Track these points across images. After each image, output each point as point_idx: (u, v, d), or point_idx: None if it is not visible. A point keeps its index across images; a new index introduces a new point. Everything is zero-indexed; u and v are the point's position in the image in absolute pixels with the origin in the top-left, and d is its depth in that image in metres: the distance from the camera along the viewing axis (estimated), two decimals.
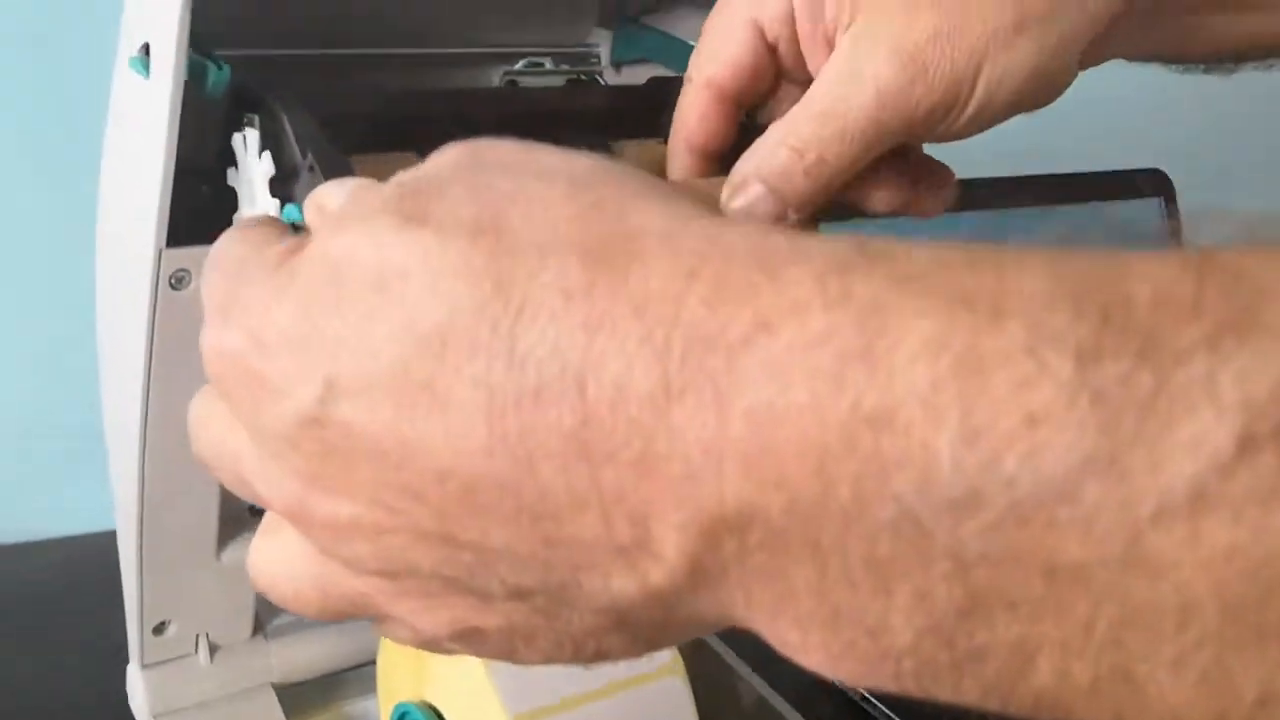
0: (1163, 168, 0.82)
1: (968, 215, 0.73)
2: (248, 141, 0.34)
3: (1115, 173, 0.81)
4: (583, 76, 0.45)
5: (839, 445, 0.17)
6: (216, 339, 0.23)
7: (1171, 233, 0.83)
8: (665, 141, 0.40)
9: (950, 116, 0.33)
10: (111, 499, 0.44)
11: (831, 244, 0.19)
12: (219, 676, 0.46)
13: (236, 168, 0.35)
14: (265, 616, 0.48)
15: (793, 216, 0.34)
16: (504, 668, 0.42)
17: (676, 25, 0.44)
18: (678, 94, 0.41)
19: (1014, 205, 0.75)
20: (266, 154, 0.34)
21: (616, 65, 0.47)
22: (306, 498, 0.22)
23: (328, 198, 0.26)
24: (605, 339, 0.19)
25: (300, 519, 0.22)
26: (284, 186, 0.33)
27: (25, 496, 0.74)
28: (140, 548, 0.41)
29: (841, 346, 0.17)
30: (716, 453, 0.18)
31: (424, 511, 0.21)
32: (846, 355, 0.17)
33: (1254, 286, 0.16)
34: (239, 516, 0.43)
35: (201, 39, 0.33)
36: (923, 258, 0.18)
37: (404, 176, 0.24)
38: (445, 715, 0.43)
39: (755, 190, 0.33)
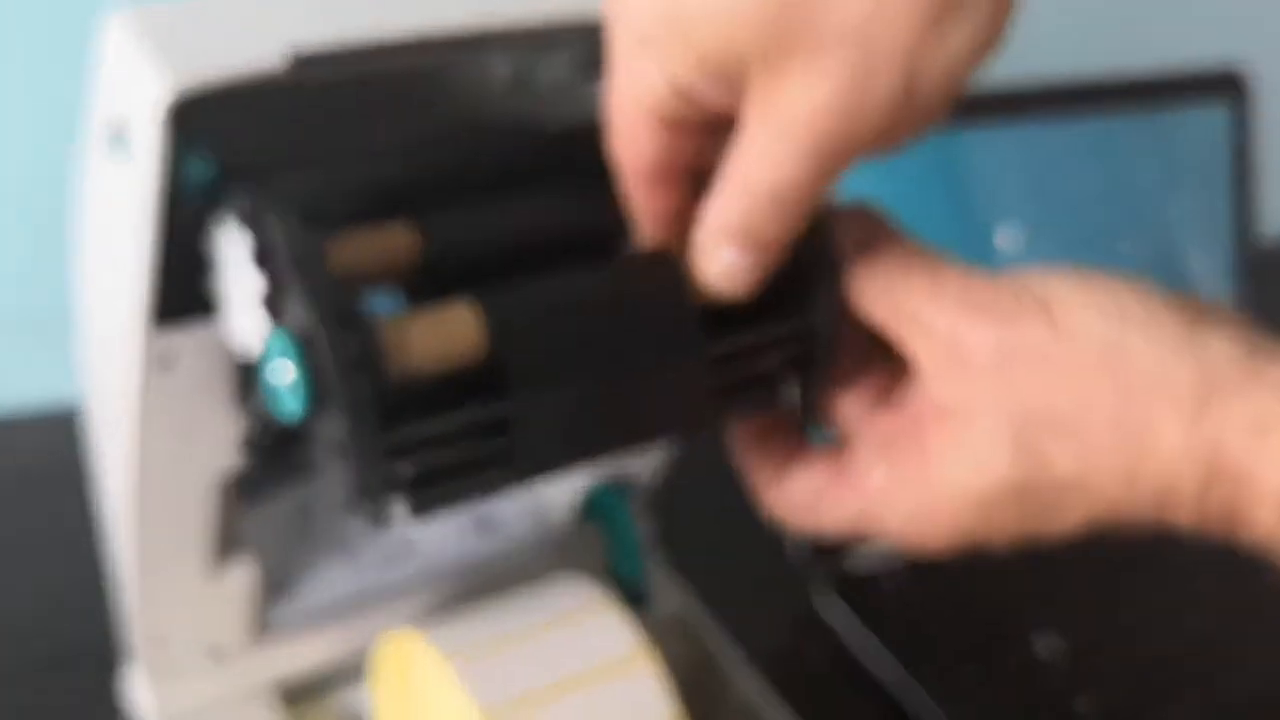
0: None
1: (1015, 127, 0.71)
2: (227, 233, 0.32)
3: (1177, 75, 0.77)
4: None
5: None
6: None
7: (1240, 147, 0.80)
8: None
9: (908, 126, 0.30)
10: None
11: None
12: (221, 679, 0.46)
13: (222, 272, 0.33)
14: (265, 617, 0.48)
15: (771, 261, 0.34)
16: (493, 696, 0.42)
17: None
18: None
19: (1052, 114, 0.72)
20: (243, 232, 0.32)
21: None
22: None
23: None
24: None
25: None
26: (274, 300, 0.31)
27: None
28: (139, 583, 0.41)
29: None
30: None
31: None
32: None
33: None
34: (232, 544, 0.43)
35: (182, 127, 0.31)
36: None
37: None
38: None
39: (727, 253, 0.34)
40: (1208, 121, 0.79)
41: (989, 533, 0.33)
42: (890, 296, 0.34)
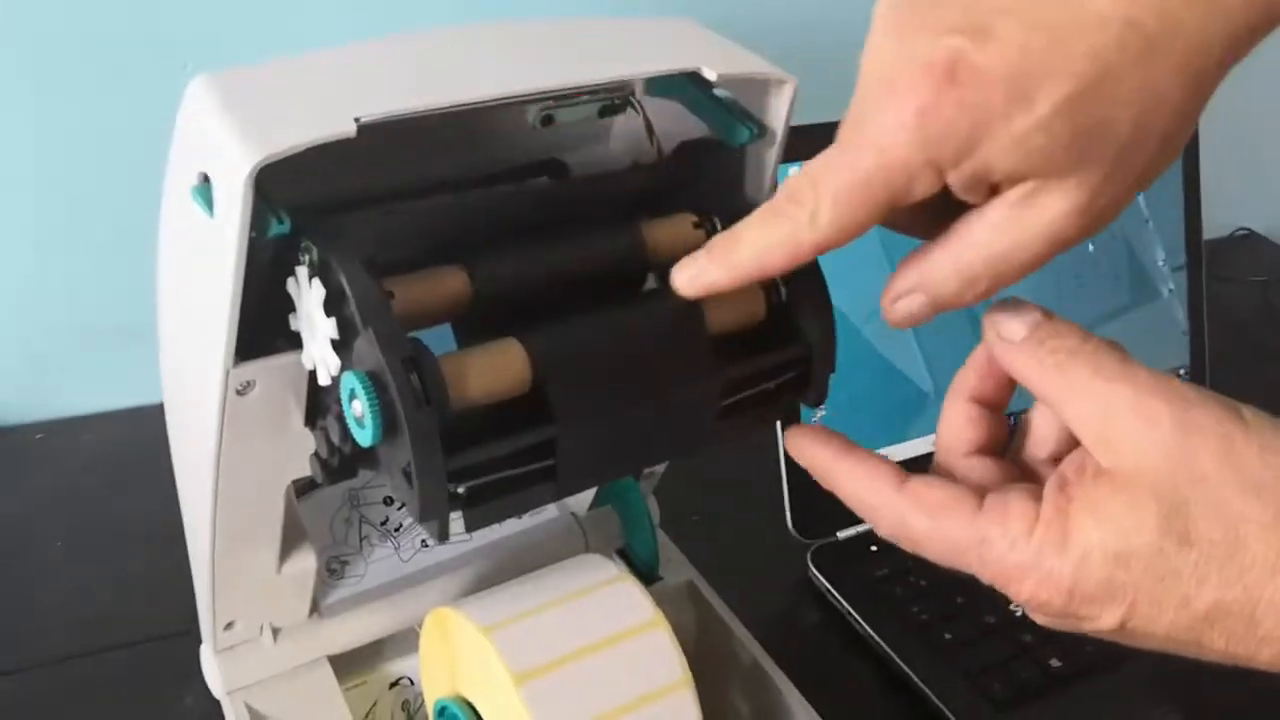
0: None
1: None
2: (300, 279, 0.36)
3: None
4: (616, 101, 0.45)
5: None
6: None
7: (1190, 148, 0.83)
8: (695, 213, 0.41)
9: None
10: None
11: None
12: (281, 654, 0.50)
13: (295, 311, 0.36)
14: (319, 598, 0.52)
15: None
16: (523, 662, 0.46)
17: None
18: (705, 160, 0.42)
19: None
20: (316, 280, 0.35)
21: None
22: None
23: None
24: None
25: None
26: (343, 341, 0.34)
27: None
28: (212, 574, 0.45)
29: None
30: None
31: None
32: None
33: None
34: (294, 537, 0.47)
35: (262, 186, 0.34)
36: None
37: None
38: (477, 707, 0.48)
39: (919, 301, 0.35)
40: None
41: (1107, 601, 0.31)
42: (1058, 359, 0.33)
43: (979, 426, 0.37)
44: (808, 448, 0.37)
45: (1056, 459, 0.36)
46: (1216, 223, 0.87)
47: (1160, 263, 0.83)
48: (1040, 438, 0.37)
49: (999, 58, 0.30)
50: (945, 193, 0.32)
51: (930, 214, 0.34)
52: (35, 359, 0.78)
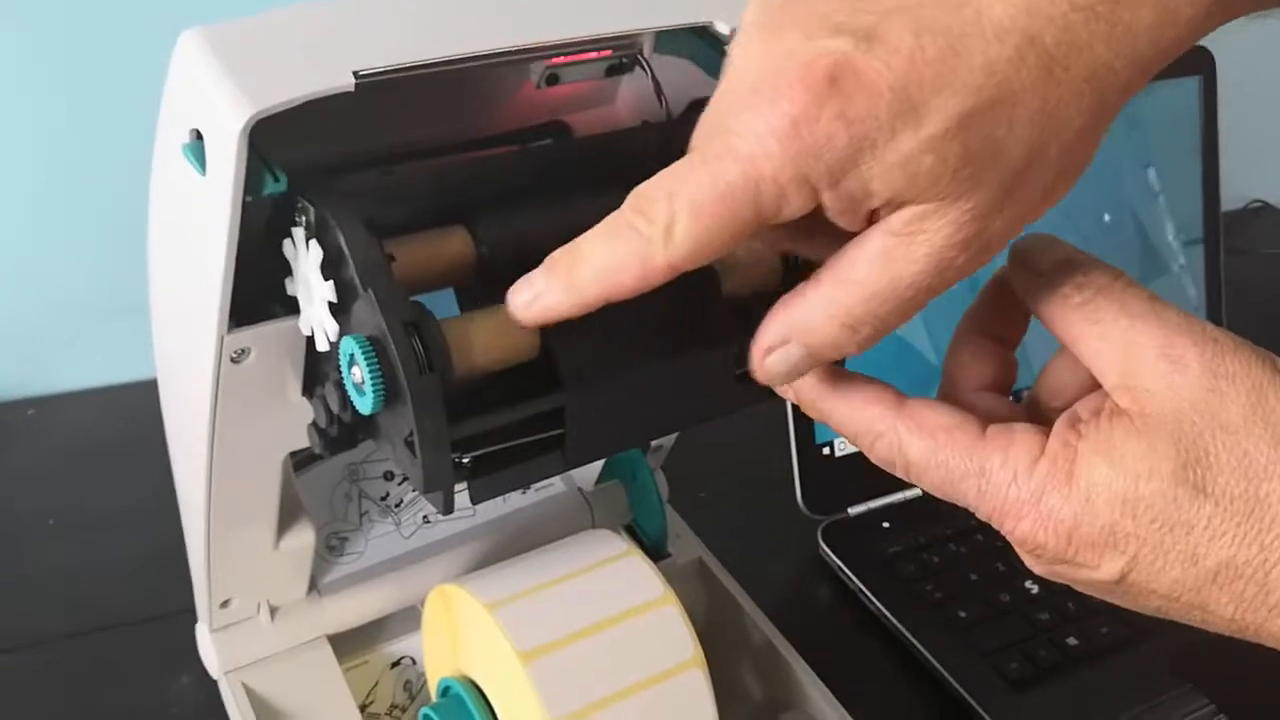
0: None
1: None
2: (296, 241, 0.34)
3: None
4: (623, 60, 0.44)
5: None
6: None
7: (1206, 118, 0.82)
8: None
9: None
10: None
11: None
12: (279, 633, 0.49)
13: (292, 275, 0.34)
14: (318, 576, 0.51)
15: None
16: (529, 640, 0.44)
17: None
18: None
19: None
20: (314, 241, 0.33)
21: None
22: None
23: None
24: None
25: None
26: (342, 305, 0.33)
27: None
28: (207, 551, 0.43)
29: None
30: None
31: None
32: None
33: None
34: (292, 513, 0.45)
35: (255, 146, 0.32)
36: None
37: None
38: (482, 686, 0.46)
39: (795, 352, 0.31)
40: (1179, 96, 0.81)
41: (1114, 548, 0.29)
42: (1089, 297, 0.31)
43: (987, 361, 0.34)
44: (799, 380, 0.33)
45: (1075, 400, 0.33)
46: (1230, 195, 0.85)
47: (1171, 238, 0.82)
48: (1057, 386, 0.33)
49: (885, 65, 0.26)
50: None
51: (812, 233, 0.31)
52: (27, 334, 0.77)
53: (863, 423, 0.33)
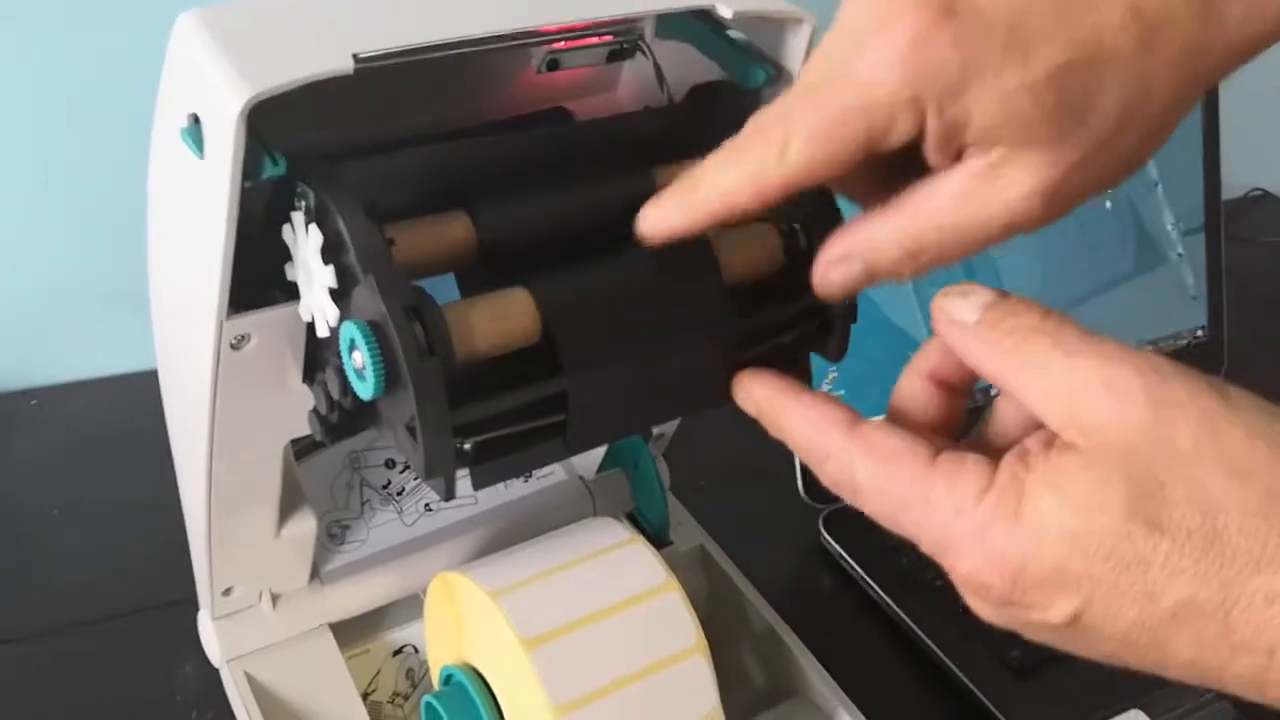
0: None
1: None
2: (295, 226, 0.34)
3: None
4: (624, 45, 0.43)
5: None
6: None
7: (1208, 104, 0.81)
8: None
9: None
10: None
11: None
12: (281, 622, 0.49)
13: (292, 260, 0.34)
14: (320, 564, 0.51)
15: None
16: (532, 627, 0.44)
17: None
18: (720, 104, 0.40)
19: None
20: (314, 226, 0.33)
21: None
22: None
23: None
24: None
25: None
26: (342, 287, 0.33)
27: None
28: (209, 538, 0.43)
29: None
30: None
31: None
32: None
33: None
34: (293, 500, 0.45)
35: (255, 125, 0.32)
36: None
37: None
38: (484, 674, 0.46)
39: (857, 268, 0.33)
40: None
41: (1057, 594, 0.28)
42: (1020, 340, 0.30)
43: (936, 402, 0.33)
44: (755, 389, 0.34)
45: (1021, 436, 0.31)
46: (1230, 184, 0.85)
47: (1169, 227, 0.82)
48: (1002, 430, 0.32)
49: (1003, 2, 0.28)
50: (904, 160, 0.30)
51: (882, 178, 0.32)
52: (29, 325, 0.76)
53: (815, 442, 0.32)
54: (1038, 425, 0.30)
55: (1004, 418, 0.32)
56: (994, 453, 0.31)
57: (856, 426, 0.31)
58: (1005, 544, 0.28)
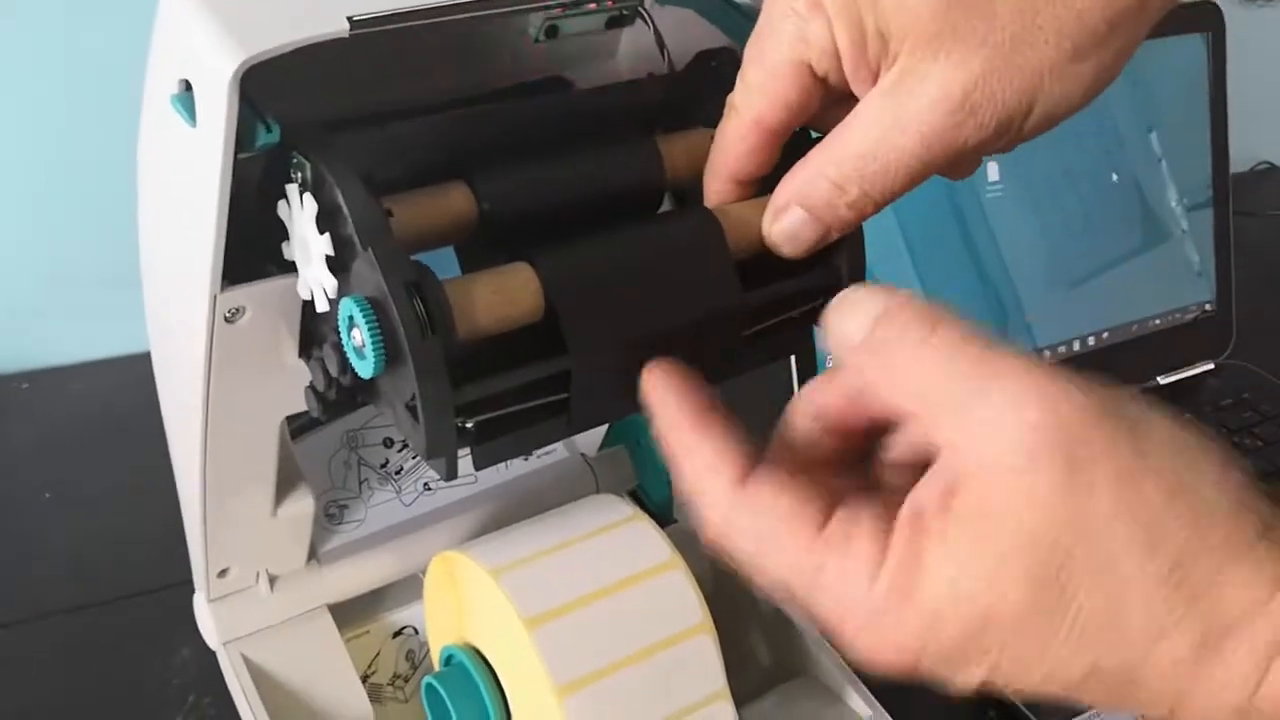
0: None
1: None
2: (291, 198, 0.33)
3: None
4: (624, 11, 0.42)
5: None
6: None
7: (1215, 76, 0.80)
8: (710, 128, 0.38)
9: (999, 144, 0.31)
10: None
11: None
12: (278, 603, 0.48)
13: (289, 239, 0.33)
14: (317, 544, 0.50)
15: (835, 235, 0.34)
16: (534, 606, 0.44)
17: None
18: (722, 71, 0.39)
19: None
20: (309, 196, 0.32)
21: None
22: None
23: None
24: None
25: None
26: (340, 264, 0.32)
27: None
28: (204, 519, 0.42)
29: None
30: None
31: None
32: None
33: None
34: (290, 479, 0.44)
35: (248, 94, 0.31)
36: None
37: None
38: (486, 655, 0.45)
39: (797, 215, 0.33)
40: (1184, 54, 0.80)
41: (962, 658, 0.27)
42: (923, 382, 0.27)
43: (828, 439, 0.31)
44: (663, 394, 0.31)
45: (919, 468, 0.28)
46: (1236, 157, 0.84)
47: (1174, 203, 0.81)
48: (898, 454, 0.30)
49: None
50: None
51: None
52: (20, 307, 0.75)
53: (700, 485, 0.29)
54: (933, 458, 0.27)
55: (898, 443, 0.30)
56: (890, 491, 0.29)
57: (747, 481, 0.29)
58: (902, 630, 0.27)
